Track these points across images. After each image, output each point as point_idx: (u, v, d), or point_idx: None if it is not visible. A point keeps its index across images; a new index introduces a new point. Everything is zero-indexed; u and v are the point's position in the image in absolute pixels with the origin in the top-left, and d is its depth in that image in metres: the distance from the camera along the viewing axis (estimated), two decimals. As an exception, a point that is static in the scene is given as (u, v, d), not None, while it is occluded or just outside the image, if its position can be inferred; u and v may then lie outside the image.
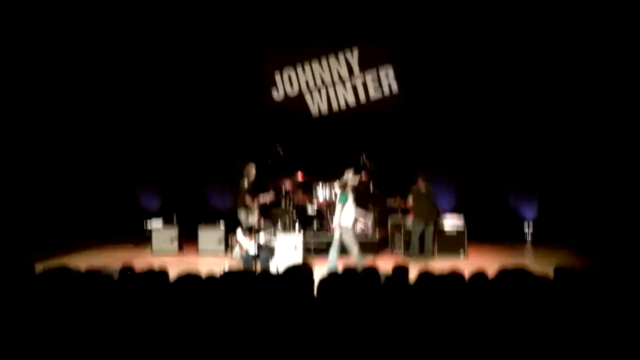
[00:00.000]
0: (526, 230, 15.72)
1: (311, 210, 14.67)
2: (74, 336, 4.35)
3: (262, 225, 11.62)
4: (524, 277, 4.84)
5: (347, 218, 11.41)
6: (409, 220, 13.47)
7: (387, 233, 14.15)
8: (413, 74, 16.33)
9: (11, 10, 14.33)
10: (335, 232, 11.40)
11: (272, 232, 11.59)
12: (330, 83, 16.69)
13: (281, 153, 14.74)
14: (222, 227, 14.21)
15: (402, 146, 16.03)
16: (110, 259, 12.82)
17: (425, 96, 16.20)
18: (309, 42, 16.61)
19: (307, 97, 16.80)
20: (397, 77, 16.47)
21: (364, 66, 16.60)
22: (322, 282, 4.95)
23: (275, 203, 14.02)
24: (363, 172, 13.68)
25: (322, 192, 14.50)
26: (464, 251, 13.44)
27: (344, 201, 11.36)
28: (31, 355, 4.29)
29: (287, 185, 14.35)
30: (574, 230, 14.75)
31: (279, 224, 13.30)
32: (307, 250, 12.41)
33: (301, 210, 14.64)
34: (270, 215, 13.82)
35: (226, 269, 5.31)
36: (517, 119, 15.87)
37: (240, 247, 11.54)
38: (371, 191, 14.51)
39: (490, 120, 15.98)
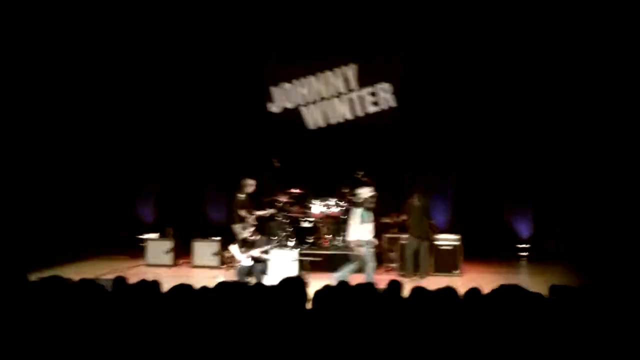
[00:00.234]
0: (521, 247, 15.69)
1: (306, 223, 14.65)
2: (66, 344, 4.33)
3: (257, 238, 11.59)
4: (518, 294, 4.84)
5: (368, 233, 11.39)
6: (405, 236, 13.36)
7: (382, 249, 14.08)
8: (409, 89, 16.33)
9: (16, 15, 14.31)
10: (359, 248, 11.30)
11: (267, 245, 11.57)
12: (327, 97, 16.71)
13: (277, 166, 14.73)
14: (217, 240, 14.20)
15: (397, 161, 16.01)
16: (105, 270, 12.82)
17: (422, 111, 16.19)
18: (309, 58, 16.68)
19: (304, 110, 16.81)
20: (394, 92, 16.49)
21: (361, 81, 16.63)
22: (317, 294, 4.95)
23: (271, 216, 14.01)
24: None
25: (317, 206, 14.47)
26: (459, 268, 13.34)
27: (366, 217, 11.31)
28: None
29: (282, 198, 14.35)
30: (570, 247, 14.74)
31: (274, 237, 13.30)
32: (301, 263, 12.37)
33: (296, 224, 14.62)
34: (266, 229, 13.82)
35: (219, 281, 5.32)
36: (513, 136, 15.84)
37: (235, 259, 11.55)
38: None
39: (486, 136, 15.96)
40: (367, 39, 16.27)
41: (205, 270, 13.69)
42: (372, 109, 16.62)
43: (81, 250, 15.07)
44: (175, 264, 14.40)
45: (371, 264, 11.32)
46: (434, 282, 10.94)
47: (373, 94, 16.59)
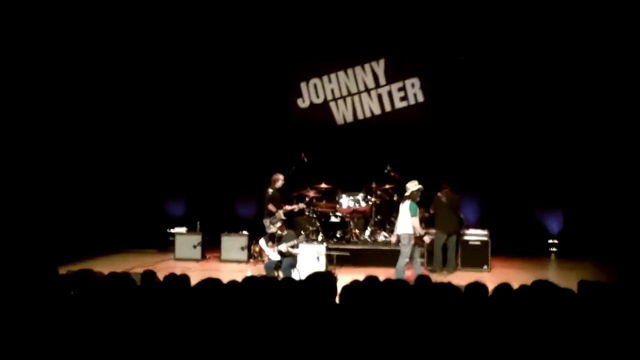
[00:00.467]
0: (551, 242, 15.54)
1: (334, 218, 14.64)
2: (95, 337, 4.36)
3: (285, 233, 11.59)
4: (548, 290, 4.79)
5: (413, 227, 11.40)
6: (433, 230, 13.26)
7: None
8: (439, 85, 16.26)
9: (39, 23, 14.44)
10: (406, 241, 11.33)
11: (296, 240, 11.56)
12: (356, 92, 16.69)
13: (306, 161, 14.74)
14: (245, 234, 14.26)
15: (426, 157, 15.92)
16: (134, 264, 12.93)
17: (451, 107, 16.11)
18: (337, 54, 16.67)
19: (332, 106, 16.81)
20: (423, 88, 16.41)
21: (390, 77, 16.58)
22: (345, 289, 4.93)
23: (300, 211, 14.01)
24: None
25: (345, 201, 14.44)
26: (488, 264, 13.23)
27: (414, 212, 11.35)
28: (52, 355, 4.31)
29: (310, 193, 14.34)
30: (600, 244, 14.56)
31: (303, 232, 13.29)
32: (329, 258, 12.36)
33: (325, 219, 14.62)
34: (294, 224, 13.83)
35: (248, 275, 5.31)
36: (544, 132, 15.72)
37: (263, 254, 11.56)
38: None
39: (516, 132, 15.84)
40: (396, 34, 16.20)
41: (233, 264, 13.75)
42: (400, 104, 16.57)
43: (111, 245, 15.25)
44: (203, 258, 14.48)
45: (418, 258, 11.42)
46: (462, 277, 10.89)
47: (402, 89, 16.53)
